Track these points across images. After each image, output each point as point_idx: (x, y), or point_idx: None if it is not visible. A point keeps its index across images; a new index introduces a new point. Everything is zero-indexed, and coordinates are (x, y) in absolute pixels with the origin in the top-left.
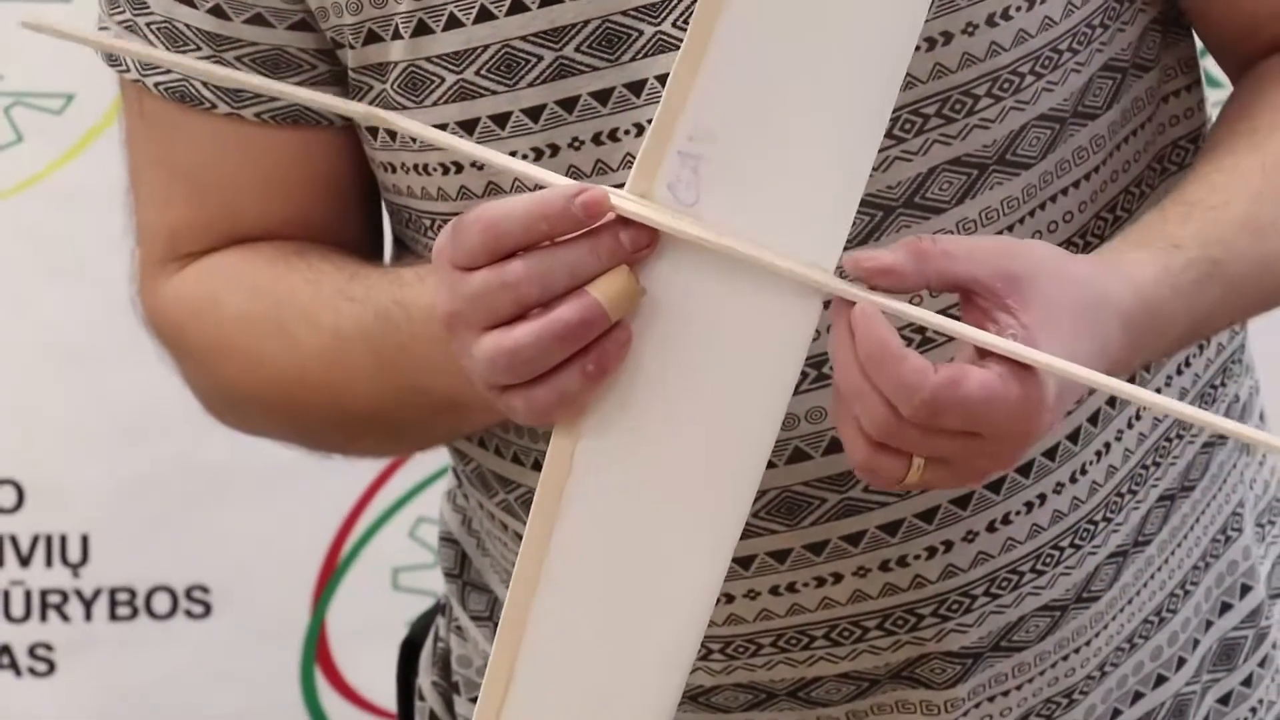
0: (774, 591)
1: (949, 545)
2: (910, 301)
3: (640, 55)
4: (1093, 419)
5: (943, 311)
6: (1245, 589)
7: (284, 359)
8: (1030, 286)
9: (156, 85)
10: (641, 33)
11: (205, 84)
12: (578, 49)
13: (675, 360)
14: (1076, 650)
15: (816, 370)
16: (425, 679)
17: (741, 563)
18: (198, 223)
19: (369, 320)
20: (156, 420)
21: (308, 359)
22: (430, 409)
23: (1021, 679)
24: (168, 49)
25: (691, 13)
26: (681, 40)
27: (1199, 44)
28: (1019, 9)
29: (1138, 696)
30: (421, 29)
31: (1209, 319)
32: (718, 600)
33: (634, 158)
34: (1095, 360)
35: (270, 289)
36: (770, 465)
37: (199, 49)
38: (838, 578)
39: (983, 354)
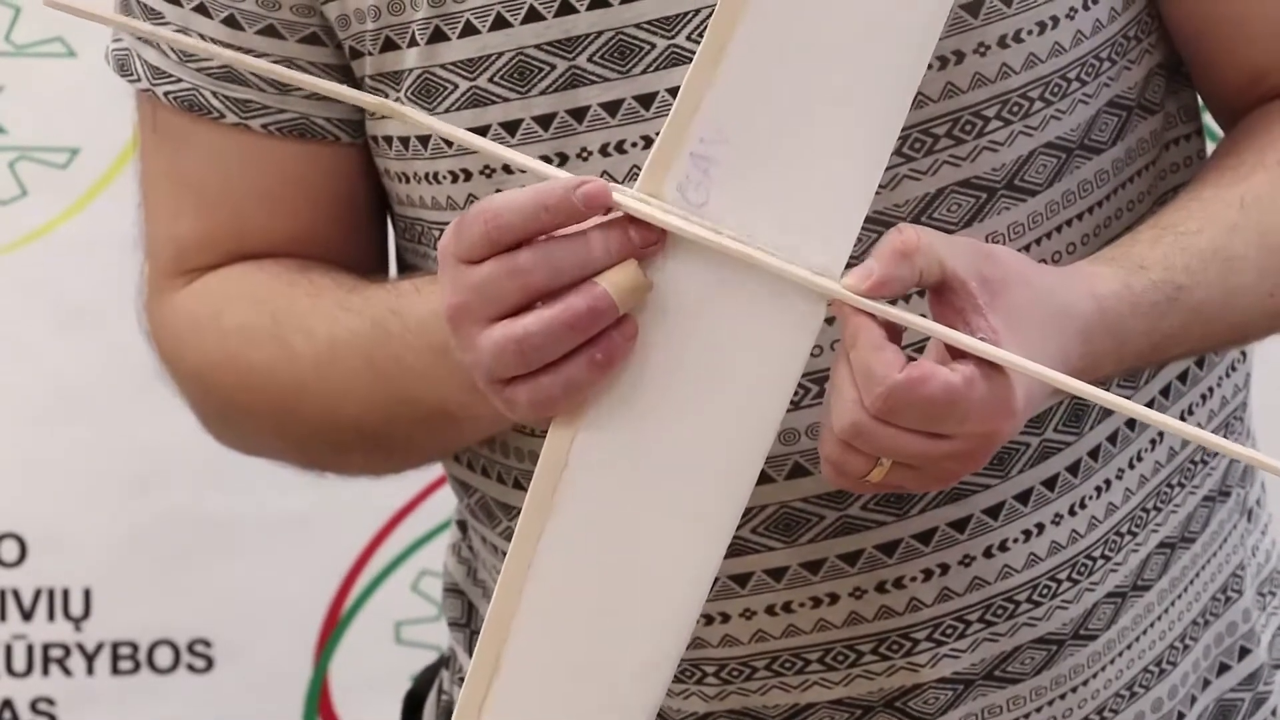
0: (770, 611)
1: (945, 568)
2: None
3: (652, 68)
4: (1093, 454)
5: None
6: (1244, 651)
7: (280, 369)
8: (1003, 291)
9: (167, 95)
10: (654, 46)
11: (214, 94)
12: (590, 59)
13: (677, 357)
14: (1074, 689)
15: (818, 386)
16: None
17: (738, 580)
18: (204, 236)
19: (365, 329)
20: (159, 474)
21: (303, 368)
22: (420, 421)
23: (1017, 713)
24: (180, 59)
25: (706, 27)
26: (695, 54)
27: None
28: (1030, 33)
29: None
30: (437, 36)
31: (1170, 342)
32: (713, 620)
33: (640, 170)
34: (1055, 368)
35: (270, 302)
36: (769, 480)
37: (211, 59)
38: (834, 598)
39: (955, 353)
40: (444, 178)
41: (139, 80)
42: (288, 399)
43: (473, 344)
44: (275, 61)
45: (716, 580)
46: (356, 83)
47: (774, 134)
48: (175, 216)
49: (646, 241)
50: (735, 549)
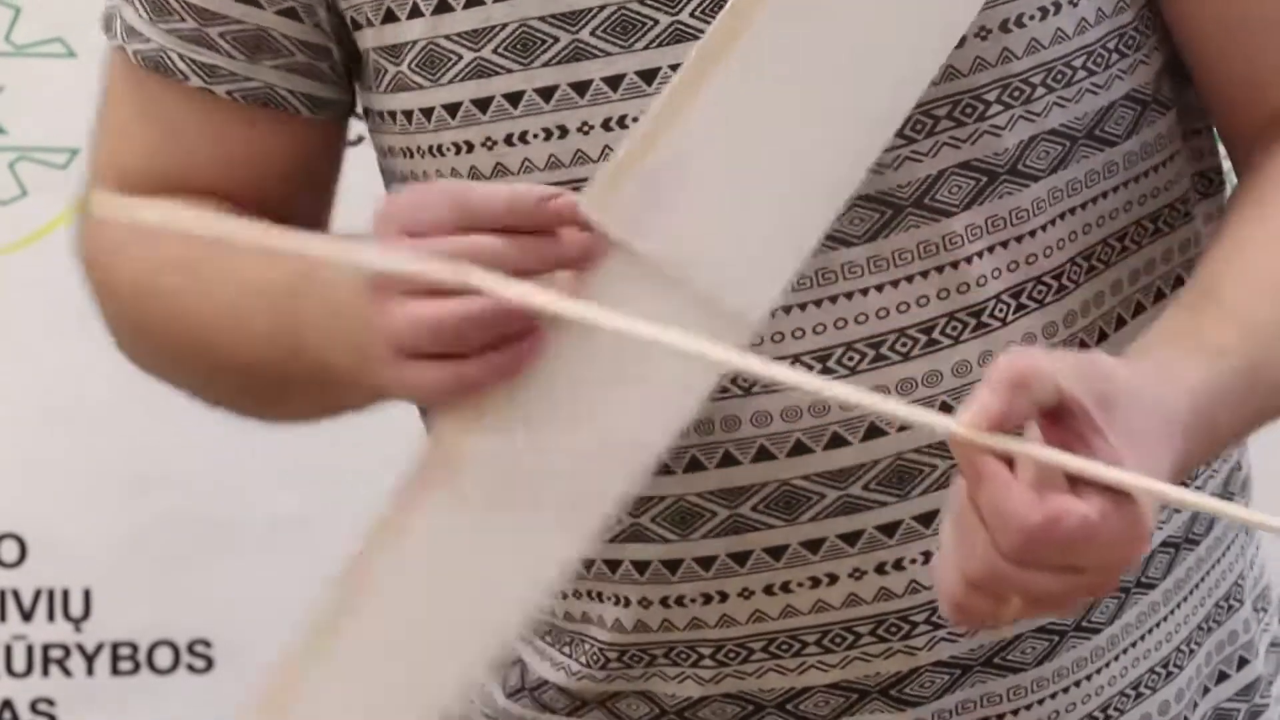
0: (768, 591)
1: None
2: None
3: (655, 44)
4: None
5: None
6: (1243, 661)
7: (195, 307)
8: (1115, 408)
9: (135, 54)
10: (657, 21)
11: (181, 57)
12: (593, 33)
13: (584, 374)
14: (1077, 683)
15: (820, 364)
16: None
17: (736, 559)
18: (149, 170)
19: (276, 277)
20: (159, 474)
21: (218, 307)
22: (312, 373)
23: (1017, 703)
24: (151, 19)
25: (710, 4)
26: (698, 30)
27: None
28: (1032, 18)
29: None
30: (442, 6)
31: (1246, 426)
32: (710, 599)
33: None
34: (1167, 478)
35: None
36: (770, 458)
37: (183, 20)
38: (833, 579)
39: (1073, 479)
40: (448, 150)
41: (116, 38)
42: (199, 337)
43: (389, 311)
44: (248, 29)
45: (715, 559)
46: (349, 57)
47: (733, 173)
48: (125, 147)
49: (587, 255)
50: (735, 527)
